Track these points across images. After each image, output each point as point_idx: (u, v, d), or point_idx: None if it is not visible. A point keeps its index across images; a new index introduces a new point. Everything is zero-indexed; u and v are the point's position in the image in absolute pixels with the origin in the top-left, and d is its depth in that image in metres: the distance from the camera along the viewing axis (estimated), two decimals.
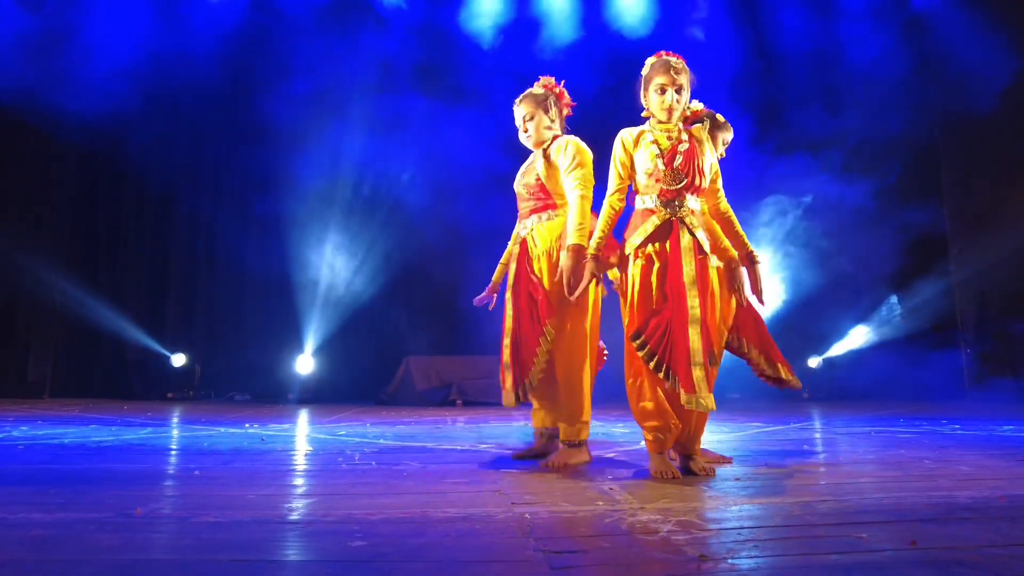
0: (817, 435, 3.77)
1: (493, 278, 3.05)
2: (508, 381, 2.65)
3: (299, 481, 2.30)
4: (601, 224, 2.44)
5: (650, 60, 2.48)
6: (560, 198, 2.68)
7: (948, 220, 7.50)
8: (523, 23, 8.07)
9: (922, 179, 7.68)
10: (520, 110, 2.81)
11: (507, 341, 2.69)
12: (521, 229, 2.80)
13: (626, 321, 2.40)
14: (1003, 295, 7.09)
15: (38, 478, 2.29)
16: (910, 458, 2.72)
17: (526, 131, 2.80)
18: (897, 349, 7.70)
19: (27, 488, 2.10)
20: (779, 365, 2.64)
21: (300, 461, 2.79)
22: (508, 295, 2.76)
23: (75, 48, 6.40)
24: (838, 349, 8.05)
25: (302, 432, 4.08)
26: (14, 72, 6.00)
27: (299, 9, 7.53)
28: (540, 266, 2.66)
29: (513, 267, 2.77)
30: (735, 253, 2.54)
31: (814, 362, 7.94)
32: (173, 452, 3.07)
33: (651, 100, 2.45)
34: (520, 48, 8.00)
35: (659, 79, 2.42)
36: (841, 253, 8.06)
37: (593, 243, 2.43)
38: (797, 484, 2.15)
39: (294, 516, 1.73)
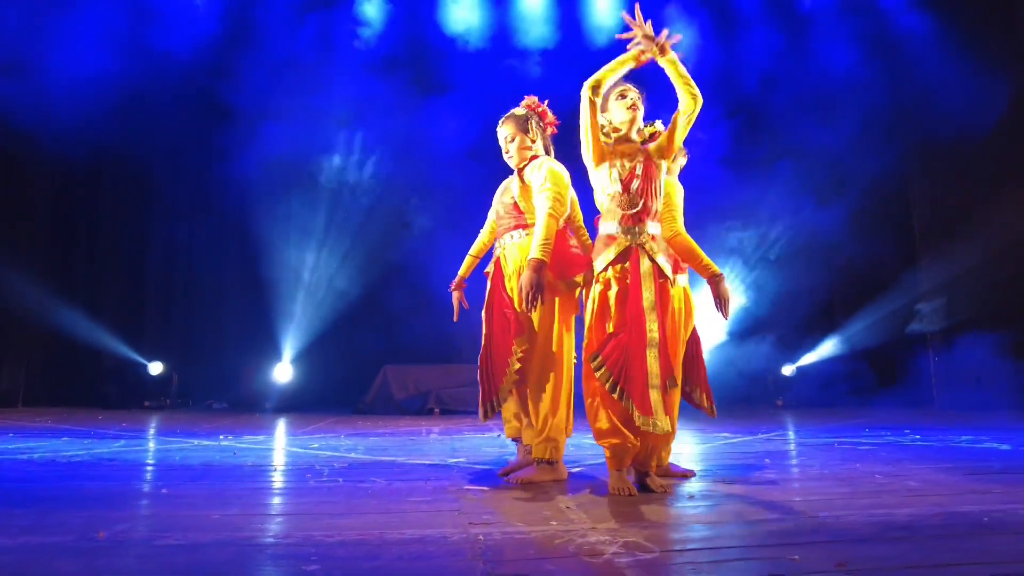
0: (782, 447, 3.87)
1: (460, 272, 3.13)
2: (480, 396, 2.74)
3: (265, 500, 2.34)
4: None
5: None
6: (533, 216, 2.72)
7: (917, 230, 7.67)
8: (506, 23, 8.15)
9: (892, 189, 7.85)
10: (502, 131, 2.86)
11: (480, 356, 2.77)
12: (497, 247, 2.86)
13: (586, 342, 2.47)
14: (971, 303, 7.25)
15: (5, 499, 2.31)
16: (862, 473, 2.81)
17: (507, 152, 2.85)
18: (869, 357, 7.87)
19: None
20: (699, 390, 2.81)
21: (269, 478, 2.82)
22: (483, 312, 2.83)
23: (47, 61, 6.37)
24: (812, 357, 8.19)
25: (276, 445, 4.10)
26: None
27: (273, 13, 7.54)
28: (512, 285, 2.71)
29: (488, 285, 2.84)
30: (717, 269, 2.64)
31: (788, 370, 8.07)
32: (144, 467, 3.09)
33: (612, 108, 2.54)
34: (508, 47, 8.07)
35: (618, 88, 2.54)
36: (814, 262, 8.24)
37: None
38: (747, 502, 2.23)
39: (255, 538, 1.77)
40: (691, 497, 2.31)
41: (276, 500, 2.34)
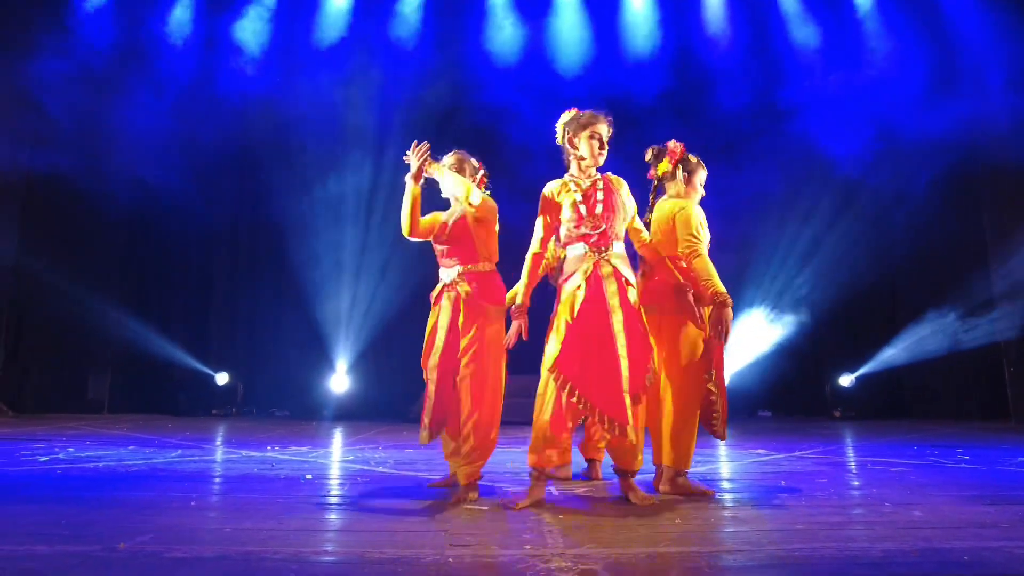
0: (809, 467, 3.77)
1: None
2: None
3: (277, 514, 2.51)
4: (524, 274, 2.88)
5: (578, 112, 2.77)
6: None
7: (988, 230, 7.22)
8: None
9: (960, 192, 7.42)
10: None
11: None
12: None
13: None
14: None
15: (62, 507, 2.57)
16: (873, 500, 2.74)
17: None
18: (935, 366, 7.46)
19: (45, 519, 2.38)
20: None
21: (290, 492, 3.01)
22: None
23: (117, 118, 7.15)
24: (874, 365, 7.83)
25: (314, 456, 4.34)
26: (70, 145, 6.91)
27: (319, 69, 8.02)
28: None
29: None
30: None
31: (846, 380, 7.76)
32: (187, 479, 3.35)
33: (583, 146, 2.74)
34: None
35: (599, 127, 2.71)
36: (876, 268, 7.89)
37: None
38: (725, 529, 2.24)
39: (252, 553, 1.94)
40: (676, 522, 2.34)
41: (281, 515, 2.48)
